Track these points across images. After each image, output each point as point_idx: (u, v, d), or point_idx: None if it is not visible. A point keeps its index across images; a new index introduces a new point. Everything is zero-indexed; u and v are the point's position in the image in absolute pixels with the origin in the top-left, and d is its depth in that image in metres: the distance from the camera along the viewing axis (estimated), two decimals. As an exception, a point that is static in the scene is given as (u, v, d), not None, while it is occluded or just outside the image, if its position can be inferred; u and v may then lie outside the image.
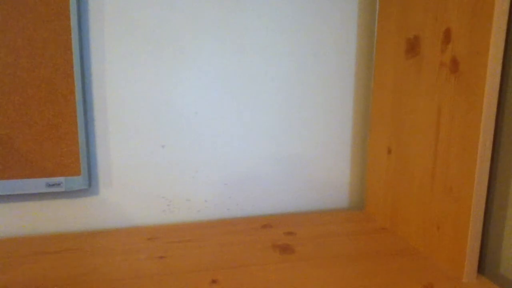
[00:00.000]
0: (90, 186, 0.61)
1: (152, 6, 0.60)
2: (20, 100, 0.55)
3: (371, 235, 0.59)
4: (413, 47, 0.54)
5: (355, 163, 0.72)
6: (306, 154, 0.70)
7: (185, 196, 0.66)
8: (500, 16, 0.40)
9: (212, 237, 0.58)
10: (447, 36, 0.47)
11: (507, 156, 0.45)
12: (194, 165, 0.65)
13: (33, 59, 0.54)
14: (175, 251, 0.53)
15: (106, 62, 0.60)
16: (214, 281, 0.45)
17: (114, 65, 0.60)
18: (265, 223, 0.63)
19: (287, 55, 0.66)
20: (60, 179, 0.57)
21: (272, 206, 0.70)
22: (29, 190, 0.57)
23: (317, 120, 0.69)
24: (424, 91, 0.51)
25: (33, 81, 0.55)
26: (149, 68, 0.61)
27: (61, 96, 0.56)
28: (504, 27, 0.41)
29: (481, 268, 0.49)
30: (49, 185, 0.57)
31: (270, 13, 0.64)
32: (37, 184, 0.57)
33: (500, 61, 0.41)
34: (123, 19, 0.59)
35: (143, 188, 0.64)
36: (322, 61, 0.67)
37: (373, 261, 0.50)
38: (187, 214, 0.66)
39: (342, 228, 0.61)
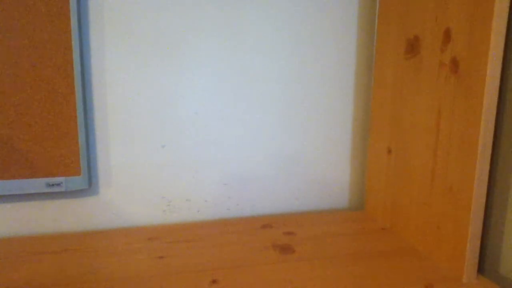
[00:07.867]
0: (90, 186, 0.61)
1: (152, 6, 0.60)
2: (20, 100, 0.55)
3: (371, 235, 0.59)
4: (413, 47, 0.54)
5: (355, 163, 0.72)
6: (306, 154, 0.70)
7: (185, 196, 0.66)
8: (500, 16, 0.40)
9: (212, 237, 0.58)
10: (447, 36, 0.47)
11: (507, 156, 0.45)
12: (194, 165, 0.65)
13: (33, 59, 0.54)
14: (175, 251, 0.53)
15: (106, 62, 0.60)
16: (214, 281, 0.45)
17: (114, 65, 0.60)
18: (265, 223, 0.63)
19: (287, 55, 0.66)
20: (60, 179, 0.57)
21: (272, 206, 0.70)
22: (29, 190, 0.57)
23: (317, 120, 0.69)
24: (424, 91, 0.51)
25: (33, 81, 0.55)
26: (149, 68, 0.61)
27: (61, 96, 0.56)
28: (504, 27, 0.41)
29: (481, 268, 0.49)
30: (49, 185, 0.57)
31: (270, 12, 0.64)
32: (37, 184, 0.57)
33: (500, 61, 0.41)
34: (123, 19, 0.59)
35: (143, 188, 0.64)
36: (322, 61, 0.67)
37: (373, 261, 0.50)
38: (187, 214, 0.66)
39: (342, 228, 0.61)
